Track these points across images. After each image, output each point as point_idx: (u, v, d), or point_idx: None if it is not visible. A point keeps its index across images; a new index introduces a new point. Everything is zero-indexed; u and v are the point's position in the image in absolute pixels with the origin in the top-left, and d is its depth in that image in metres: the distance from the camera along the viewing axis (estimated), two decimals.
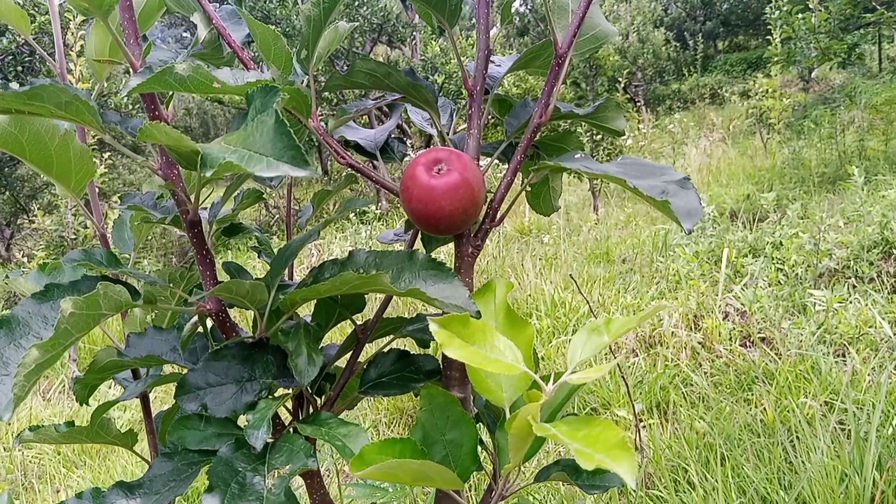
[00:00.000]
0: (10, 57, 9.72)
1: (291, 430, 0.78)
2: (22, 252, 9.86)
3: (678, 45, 16.45)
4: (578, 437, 0.53)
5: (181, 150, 0.62)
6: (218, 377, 0.72)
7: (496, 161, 0.89)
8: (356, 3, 11.07)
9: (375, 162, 0.89)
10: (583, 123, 0.87)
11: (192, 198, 0.71)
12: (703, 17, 17.79)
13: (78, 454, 3.47)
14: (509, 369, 0.57)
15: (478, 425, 0.92)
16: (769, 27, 8.22)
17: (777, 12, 7.91)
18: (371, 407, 3.42)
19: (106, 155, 6.16)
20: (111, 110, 0.74)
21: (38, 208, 8.80)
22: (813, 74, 11.02)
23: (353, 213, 9.47)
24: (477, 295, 0.75)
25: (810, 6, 7.52)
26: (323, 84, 0.83)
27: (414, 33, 12.55)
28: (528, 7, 18.42)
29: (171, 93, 0.73)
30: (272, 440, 0.75)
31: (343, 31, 0.88)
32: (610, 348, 3.05)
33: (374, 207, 9.25)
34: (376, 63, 0.77)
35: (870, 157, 6.66)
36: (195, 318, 0.78)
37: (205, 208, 0.87)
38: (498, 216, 0.79)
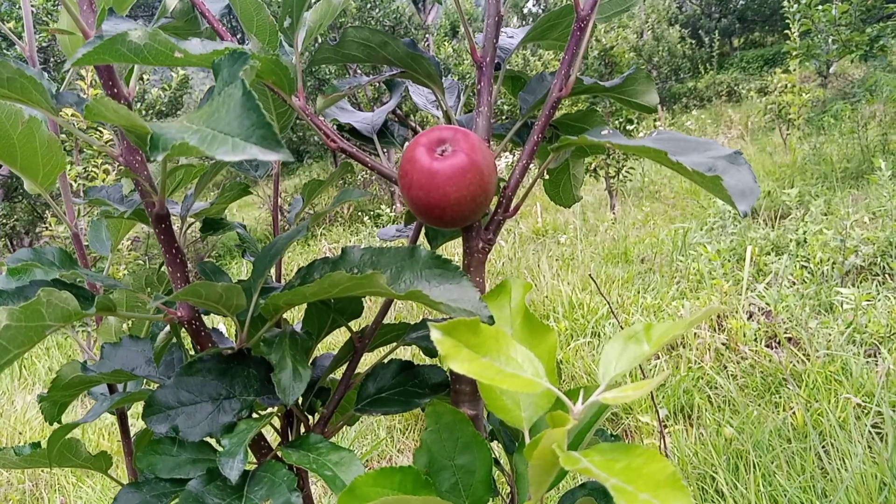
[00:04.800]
0: (23, 62, 9.74)
1: (280, 454, 0.68)
2: None
3: (693, 42, 16.28)
4: (616, 471, 0.43)
5: (136, 131, 0.53)
6: (191, 394, 0.63)
7: (507, 149, 0.79)
8: (368, 5, 11.01)
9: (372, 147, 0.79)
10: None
11: (159, 188, 0.61)
12: (718, 13, 17.59)
13: None
14: (529, 387, 0.47)
15: (492, 443, 0.82)
16: (787, 21, 8.05)
17: (796, 5, 7.74)
18: None
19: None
20: (69, 91, 0.65)
21: (52, 215, 8.80)
22: (831, 69, 10.81)
23: (367, 217, 9.39)
24: (489, 297, 0.64)
25: None
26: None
27: (427, 35, 12.48)
28: (542, 7, 18.33)
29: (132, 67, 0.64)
30: (256, 466, 0.66)
31: (337, 3, 0.78)
32: None
33: (388, 210, 9.15)
34: (371, 31, 0.67)
35: (893, 151, 6.49)
36: (168, 326, 0.68)
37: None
38: (512, 206, 0.69)
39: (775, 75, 8.18)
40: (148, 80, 10.11)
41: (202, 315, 0.66)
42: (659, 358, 3.31)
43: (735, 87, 14.22)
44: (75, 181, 6.05)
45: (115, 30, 0.65)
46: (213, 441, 0.69)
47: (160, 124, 0.49)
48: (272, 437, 0.80)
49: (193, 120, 0.49)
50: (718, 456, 2.42)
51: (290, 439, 0.75)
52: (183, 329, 0.68)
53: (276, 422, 0.76)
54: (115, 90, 0.60)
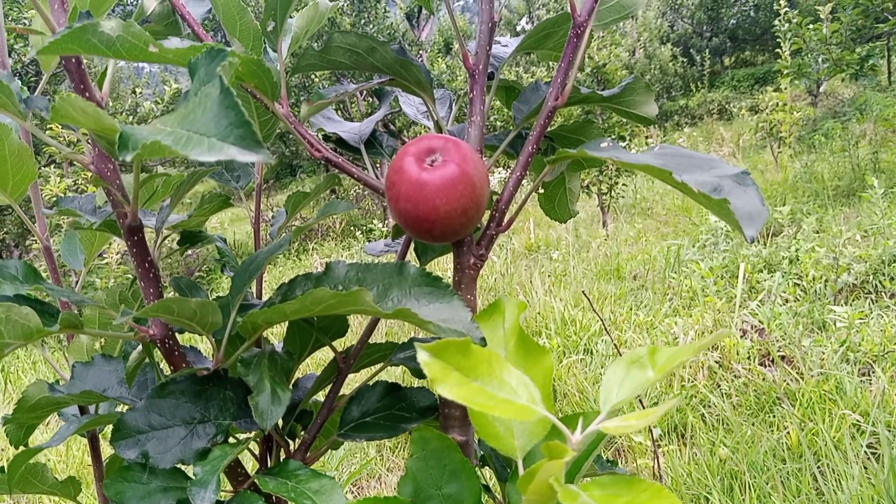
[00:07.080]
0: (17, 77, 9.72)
1: (257, 483, 0.64)
2: None
3: (685, 61, 16.40)
4: None
5: (105, 133, 0.49)
6: (163, 418, 0.59)
7: (499, 163, 0.76)
8: (362, 20, 11.04)
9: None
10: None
11: (132, 198, 0.57)
12: (709, 32, 17.71)
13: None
14: (524, 414, 0.43)
15: (484, 469, 0.78)
16: (778, 40, 8.10)
17: (787, 24, 7.79)
18: None
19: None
20: (41, 96, 0.61)
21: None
22: (821, 88, 10.89)
23: (359, 231, 9.35)
24: (482, 317, 0.61)
25: (821, 17, 7.41)
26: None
27: (420, 52, 12.52)
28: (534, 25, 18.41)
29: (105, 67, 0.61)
30: (233, 494, 0.62)
31: (324, 9, 0.75)
32: None
33: (380, 224, 9.11)
34: (358, 36, 0.64)
35: (884, 169, 6.51)
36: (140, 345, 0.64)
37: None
38: (505, 220, 0.65)
39: (766, 93, 8.22)
40: (141, 93, 10.08)
41: (176, 333, 0.62)
42: None
43: (726, 106, 14.29)
44: (65, 193, 5.99)
45: None
46: (187, 467, 0.65)
47: (131, 126, 0.46)
48: (251, 465, 0.76)
49: (168, 122, 0.46)
50: (713, 476, 2.38)
51: (268, 466, 0.71)
52: (156, 348, 0.64)
53: (256, 447, 0.72)
54: (87, 93, 0.57)
